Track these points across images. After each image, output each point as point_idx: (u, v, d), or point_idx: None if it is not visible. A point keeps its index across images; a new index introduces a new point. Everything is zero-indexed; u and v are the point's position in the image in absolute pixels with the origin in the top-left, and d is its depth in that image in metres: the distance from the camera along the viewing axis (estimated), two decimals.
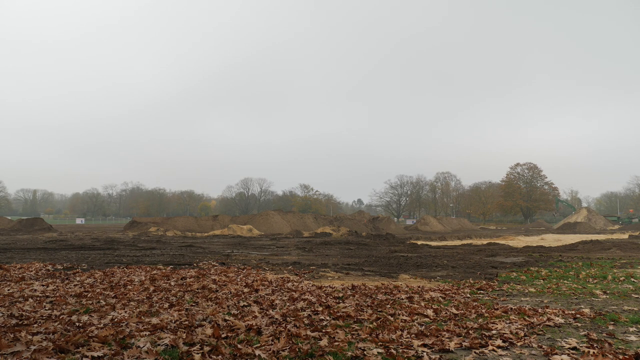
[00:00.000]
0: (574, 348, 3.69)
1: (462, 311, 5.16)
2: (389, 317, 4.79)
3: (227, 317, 4.52)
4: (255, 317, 4.62)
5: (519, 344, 3.82)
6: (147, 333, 3.89)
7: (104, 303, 5.37)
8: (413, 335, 4.00)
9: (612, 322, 4.66)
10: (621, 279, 8.25)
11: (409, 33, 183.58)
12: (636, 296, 6.42)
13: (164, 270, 9.01)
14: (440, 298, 6.16)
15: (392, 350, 3.49)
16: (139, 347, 3.44)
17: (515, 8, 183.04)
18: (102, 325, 4.18)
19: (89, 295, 5.91)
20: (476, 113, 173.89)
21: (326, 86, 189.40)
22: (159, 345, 3.51)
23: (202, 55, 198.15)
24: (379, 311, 5.12)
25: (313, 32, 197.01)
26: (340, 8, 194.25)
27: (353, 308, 5.23)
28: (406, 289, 7.03)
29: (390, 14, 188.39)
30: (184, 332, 3.89)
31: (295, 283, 7.48)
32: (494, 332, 4.18)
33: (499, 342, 3.83)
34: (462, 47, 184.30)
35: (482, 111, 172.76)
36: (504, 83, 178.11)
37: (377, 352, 3.46)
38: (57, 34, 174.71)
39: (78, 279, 7.63)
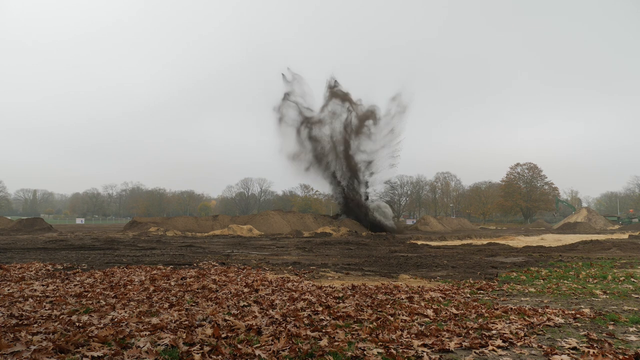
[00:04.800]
0: (574, 348, 3.69)
1: (462, 311, 5.16)
2: (389, 317, 4.79)
3: (227, 317, 4.52)
4: (255, 317, 4.62)
5: (519, 344, 3.82)
6: (147, 333, 3.89)
7: (104, 303, 5.37)
8: (413, 335, 4.00)
9: (612, 322, 4.66)
10: (621, 279, 8.25)
11: (404, 39, 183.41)
12: (636, 296, 6.42)
13: (164, 270, 9.01)
14: (440, 298, 6.16)
15: (392, 350, 3.49)
16: (139, 347, 3.44)
17: (509, 10, 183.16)
18: (102, 325, 4.18)
19: (89, 295, 5.91)
20: (474, 113, 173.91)
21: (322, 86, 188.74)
22: (159, 345, 3.51)
23: (200, 55, 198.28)
24: (379, 311, 5.12)
25: (310, 34, 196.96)
26: (333, 13, 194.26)
27: (353, 308, 5.23)
28: (406, 289, 7.03)
29: (385, 19, 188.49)
30: (184, 332, 3.89)
31: (295, 283, 7.48)
32: (494, 332, 4.18)
33: (499, 342, 3.83)
34: (456, 49, 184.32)
35: (481, 112, 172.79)
36: (500, 84, 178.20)
37: (377, 352, 3.46)
38: (56, 35, 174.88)
39: (78, 279, 7.63)
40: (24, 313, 4.68)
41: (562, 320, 4.70)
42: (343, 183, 43.71)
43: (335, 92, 44.44)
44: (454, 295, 6.52)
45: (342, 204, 44.61)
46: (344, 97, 44.54)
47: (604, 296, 6.48)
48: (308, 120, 43.35)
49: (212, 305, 5.28)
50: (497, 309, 5.28)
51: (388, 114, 44.39)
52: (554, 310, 5.23)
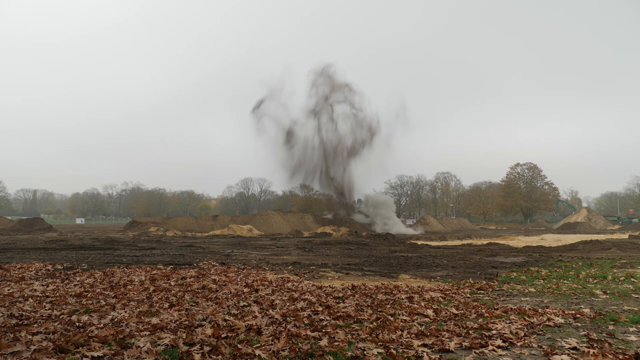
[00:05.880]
0: (574, 348, 3.69)
1: (462, 311, 5.16)
2: (389, 317, 4.79)
3: (227, 317, 4.52)
4: (255, 317, 4.62)
5: (519, 344, 3.82)
6: (147, 333, 3.89)
7: (104, 303, 5.37)
8: (413, 335, 4.00)
9: (612, 322, 4.66)
10: (621, 279, 8.25)
11: (404, 39, 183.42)
12: (636, 296, 6.42)
13: (164, 270, 9.01)
14: (440, 298, 6.16)
15: (392, 350, 3.49)
16: (139, 347, 3.44)
17: (509, 10, 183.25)
18: (102, 325, 4.18)
19: (89, 295, 5.91)
20: (475, 114, 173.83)
21: None
22: (159, 345, 3.51)
23: (199, 55, 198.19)
24: (379, 311, 5.12)
25: (309, 34, 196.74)
26: (330, 14, 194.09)
27: (353, 308, 5.23)
28: (406, 289, 7.03)
29: (383, 19, 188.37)
30: (184, 332, 3.89)
31: (295, 283, 7.48)
32: (494, 332, 4.18)
33: (499, 342, 3.83)
34: (456, 50, 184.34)
35: (481, 112, 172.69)
36: (500, 85, 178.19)
37: (377, 352, 3.46)
38: (57, 35, 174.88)
39: (78, 279, 7.63)
40: (24, 313, 4.68)
41: (562, 320, 4.70)
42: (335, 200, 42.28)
43: (333, 81, 41.62)
44: (454, 295, 6.52)
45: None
46: (342, 87, 41.94)
47: (604, 296, 6.48)
48: (293, 131, 41.31)
49: (212, 305, 5.28)
50: (497, 309, 5.28)
51: (389, 126, 42.91)
52: (554, 310, 5.22)
